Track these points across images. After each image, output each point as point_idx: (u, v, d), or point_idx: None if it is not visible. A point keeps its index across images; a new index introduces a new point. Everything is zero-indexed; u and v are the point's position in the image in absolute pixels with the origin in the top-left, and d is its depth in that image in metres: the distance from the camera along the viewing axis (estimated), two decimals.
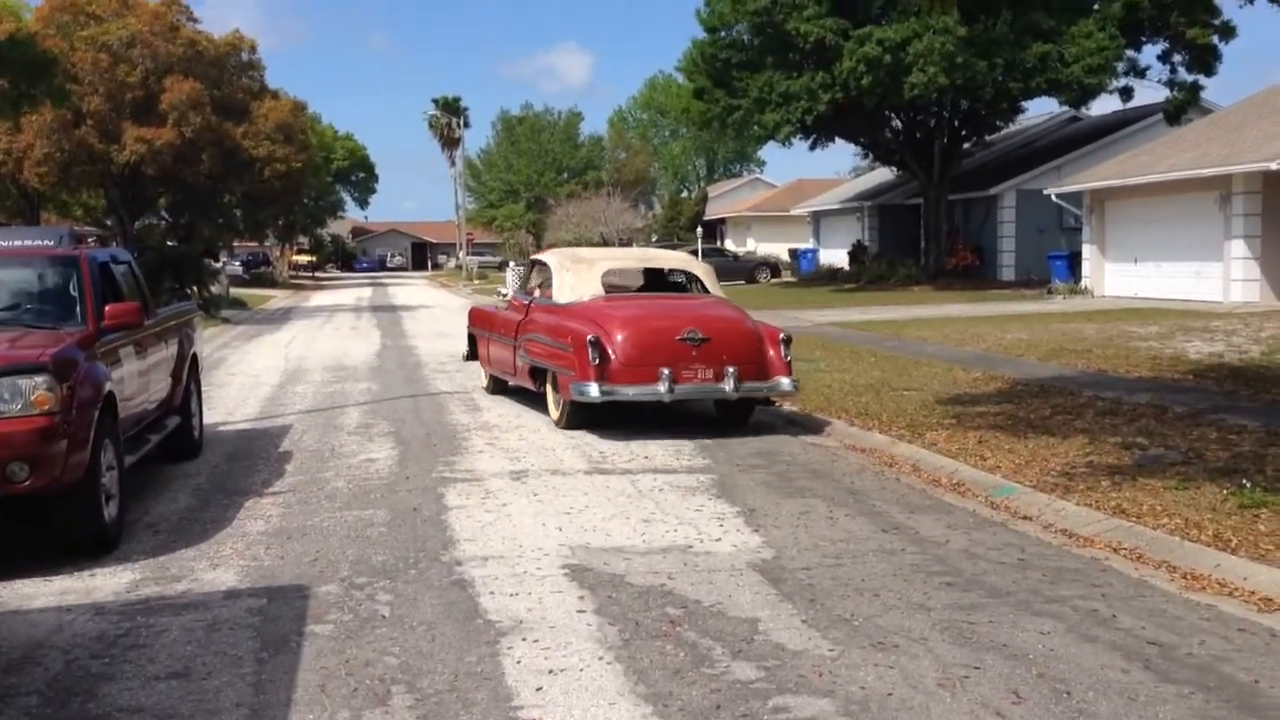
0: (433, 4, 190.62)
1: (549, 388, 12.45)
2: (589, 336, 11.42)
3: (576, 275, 12.99)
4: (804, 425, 11.82)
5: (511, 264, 48.91)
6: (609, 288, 13.10)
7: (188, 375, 10.71)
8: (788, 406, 12.67)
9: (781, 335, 12.03)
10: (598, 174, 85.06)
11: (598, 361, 11.35)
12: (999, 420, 11.11)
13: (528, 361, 12.88)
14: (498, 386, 14.78)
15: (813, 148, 39.36)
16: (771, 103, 33.15)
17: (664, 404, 11.57)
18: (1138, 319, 21.59)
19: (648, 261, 14.97)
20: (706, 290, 13.33)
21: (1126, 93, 33.88)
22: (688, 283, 13.73)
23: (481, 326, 15.22)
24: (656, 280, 14.11)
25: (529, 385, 13.05)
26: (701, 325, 11.66)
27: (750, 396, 11.80)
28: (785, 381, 11.75)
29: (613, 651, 5.36)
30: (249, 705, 4.84)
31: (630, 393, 11.40)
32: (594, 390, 11.30)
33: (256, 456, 10.75)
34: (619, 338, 11.51)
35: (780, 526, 7.68)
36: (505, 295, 16.88)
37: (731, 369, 11.34)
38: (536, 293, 13.71)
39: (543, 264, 14.16)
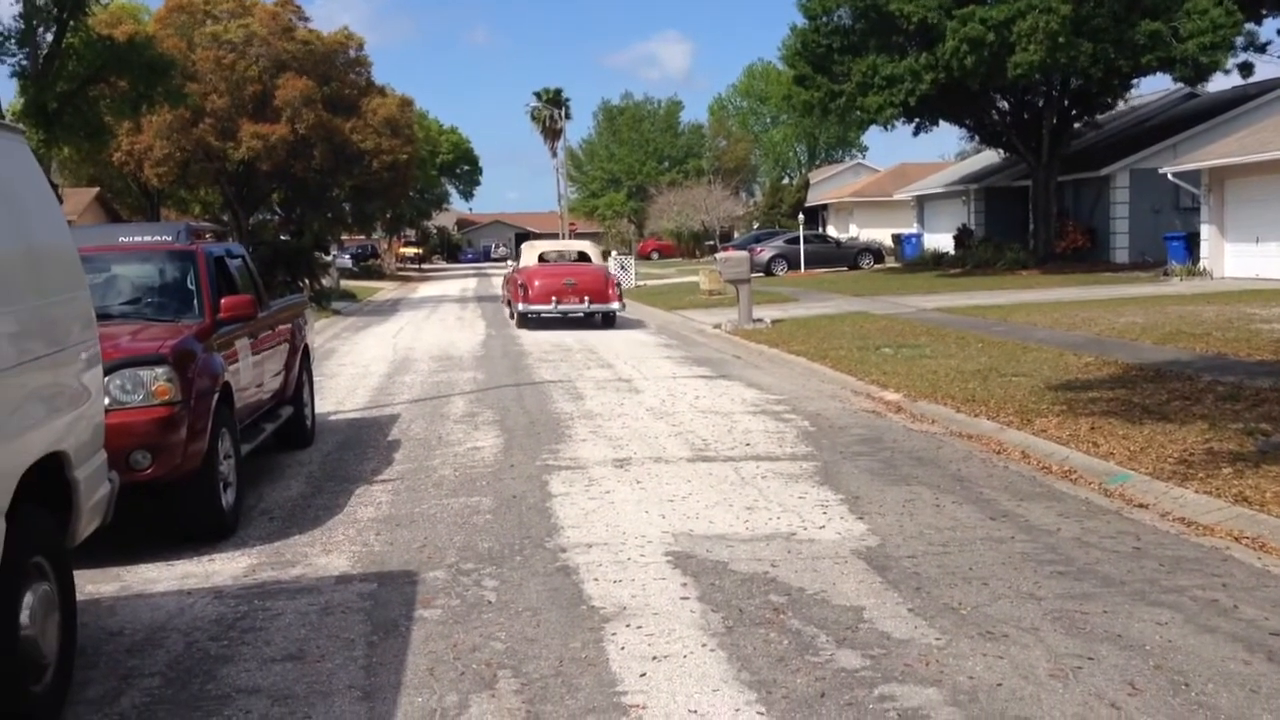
0: None
1: (512, 309, 25.78)
2: (520, 282, 24.78)
3: (526, 254, 26.73)
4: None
5: (614, 253, 49.05)
6: (544, 259, 26.23)
7: (300, 366, 10.97)
8: (890, 396, 12.55)
9: (616, 281, 25.20)
10: (698, 162, 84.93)
11: (523, 294, 24.21)
12: (1112, 406, 10.82)
13: (507, 296, 27.44)
14: (510, 313, 26.58)
15: (916, 132, 38.69)
16: (874, 86, 32.69)
17: (556, 316, 24.16)
18: (1259, 301, 20.82)
19: (569, 245, 29.20)
20: (590, 260, 26.37)
21: (1246, 68, 32.61)
22: (590, 256, 26.80)
23: (502, 283, 30.90)
24: (579, 255, 26.87)
25: (508, 309, 27.19)
26: (575, 276, 24.34)
27: (595, 310, 24.08)
28: (615, 304, 24.21)
29: (716, 638, 5.36)
30: (360, 687, 4.95)
31: (537, 309, 23.96)
32: (521, 307, 24.24)
33: (366, 445, 10.98)
34: (536, 283, 24.15)
35: (885, 514, 7.60)
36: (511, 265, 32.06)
37: (587, 297, 23.89)
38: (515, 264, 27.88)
39: (519, 250, 28.17)
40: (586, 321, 24.98)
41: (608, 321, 24.34)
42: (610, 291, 24.01)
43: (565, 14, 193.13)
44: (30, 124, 24.79)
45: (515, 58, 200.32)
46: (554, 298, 23.70)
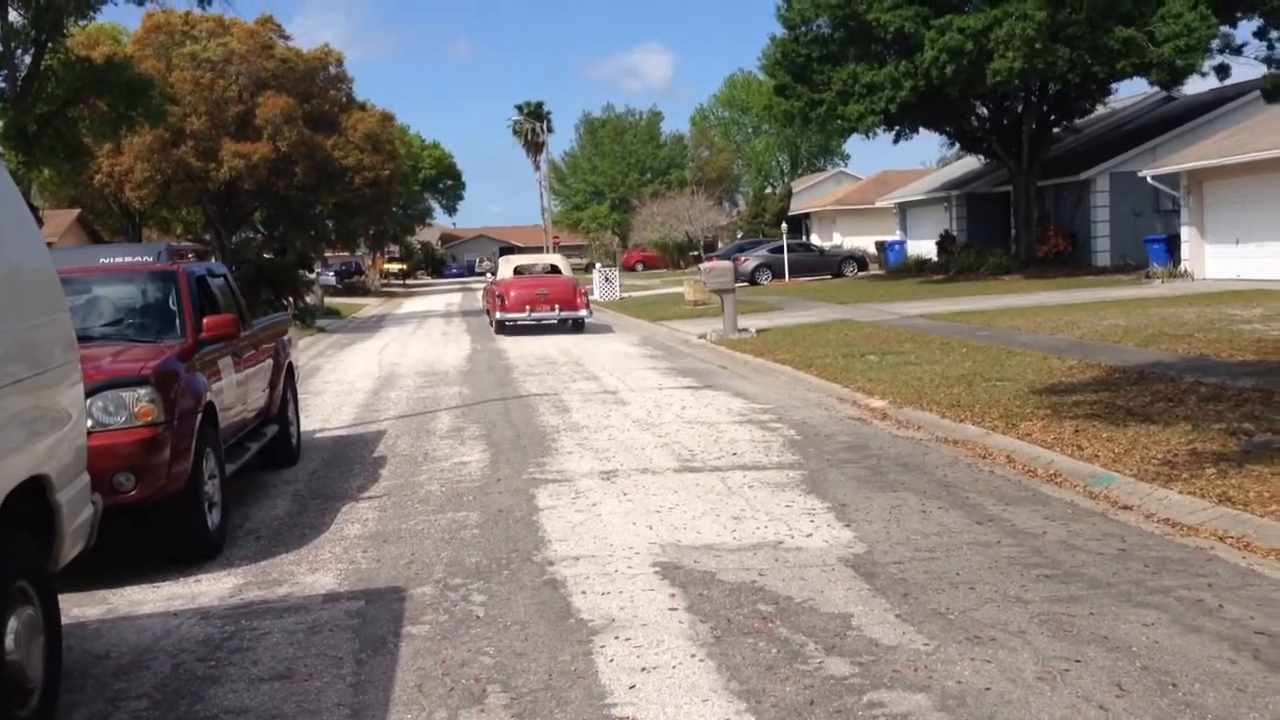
0: (515, 10, 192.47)
1: (491, 317, 28.20)
2: (497, 293, 27.26)
3: (504, 267, 29.45)
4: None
5: (598, 265, 49.16)
6: (519, 271, 28.70)
7: (284, 384, 10.95)
8: (876, 401, 12.59)
9: (584, 290, 27.77)
10: (681, 173, 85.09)
11: (500, 304, 26.66)
12: (1096, 409, 10.87)
13: (486, 306, 30.61)
14: (490, 321, 28.80)
15: (897, 140, 38.79)
16: (854, 95, 32.83)
17: (530, 323, 26.50)
18: (1240, 301, 20.95)
19: (542, 259, 31.40)
20: (561, 272, 28.70)
21: (1222, 70, 32.76)
22: (561, 269, 29.16)
23: (483, 295, 34.10)
24: (551, 268, 29.32)
25: (488, 318, 29.50)
26: (547, 287, 26.80)
27: (565, 317, 26.55)
28: (583, 311, 26.69)
29: (705, 649, 5.36)
30: (349, 705, 4.93)
31: (513, 317, 26.41)
32: (498, 315, 26.71)
33: (352, 462, 10.95)
34: (511, 294, 26.66)
35: (872, 521, 7.61)
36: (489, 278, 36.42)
37: (558, 305, 26.31)
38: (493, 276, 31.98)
39: (497, 264, 32.48)
40: (572, 334, 25.62)
41: (577, 326, 26.98)
42: (578, 300, 26.76)
43: (545, 27, 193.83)
44: (10, 146, 24.72)
45: (496, 72, 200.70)
46: (528, 306, 26.45)
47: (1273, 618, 5.39)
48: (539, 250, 57.18)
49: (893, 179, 60.80)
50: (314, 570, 7.13)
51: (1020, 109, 36.12)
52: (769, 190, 77.50)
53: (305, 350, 22.56)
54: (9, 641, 4.45)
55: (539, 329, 26.57)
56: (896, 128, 37.37)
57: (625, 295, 40.76)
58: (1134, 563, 6.39)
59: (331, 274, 66.69)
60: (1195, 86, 36.63)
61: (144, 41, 42.66)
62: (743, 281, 37.21)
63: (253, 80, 44.09)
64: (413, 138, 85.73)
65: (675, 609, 5.96)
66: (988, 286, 30.84)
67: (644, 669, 5.14)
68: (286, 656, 5.57)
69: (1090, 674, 4.83)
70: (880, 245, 50.31)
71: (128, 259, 9.45)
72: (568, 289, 26.97)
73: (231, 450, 8.87)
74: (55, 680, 4.91)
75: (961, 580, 6.20)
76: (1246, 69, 33.10)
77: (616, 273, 44.19)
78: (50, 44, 25.66)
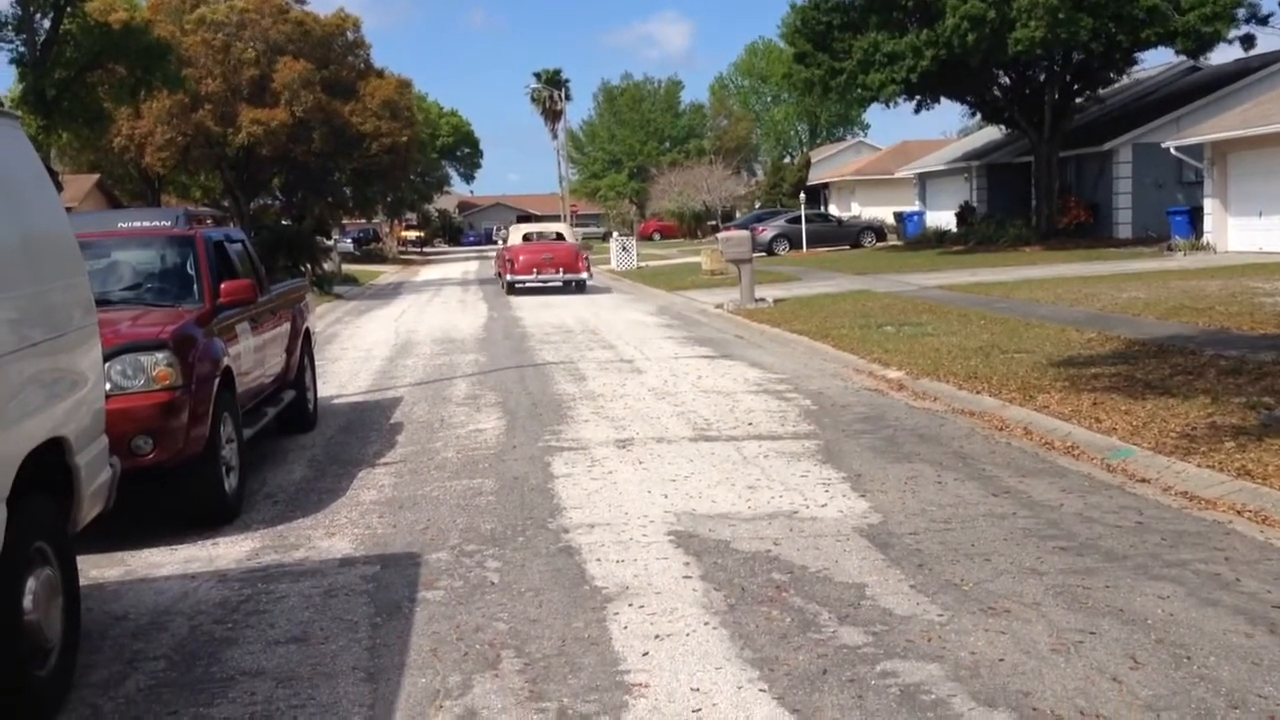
0: None
1: (502, 280, 31.34)
2: (507, 257, 30.80)
3: (513, 234, 33.07)
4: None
5: (615, 234, 49.13)
6: (527, 238, 31.87)
7: (301, 350, 10.97)
8: (892, 373, 12.55)
9: (585, 256, 30.54)
10: (699, 142, 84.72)
11: (510, 268, 30.02)
12: (1115, 381, 10.81)
13: (498, 269, 34.33)
14: (501, 284, 31.93)
15: (918, 110, 38.54)
16: (875, 64, 32.58)
17: (537, 284, 29.71)
18: (1263, 274, 20.77)
19: (549, 227, 34.38)
20: (565, 239, 31.90)
21: (1248, 40, 32.38)
22: (565, 236, 32.34)
23: (495, 260, 38.90)
24: (557, 235, 32.32)
25: (499, 281, 32.64)
26: (552, 252, 30.12)
27: (568, 279, 29.64)
28: (584, 274, 29.85)
29: (718, 617, 5.37)
30: (364, 669, 4.96)
31: (521, 279, 29.56)
32: (509, 277, 30.02)
33: (369, 428, 10.98)
34: (520, 258, 29.87)
35: (887, 491, 7.60)
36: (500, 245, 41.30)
37: (561, 268, 29.59)
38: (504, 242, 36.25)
39: (507, 231, 36.60)
40: (588, 304, 25.68)
41: (579, 287, 30.21)
42: (580, 264, 29.98)
43: None
44: (29, 111, 24.76)
45: (514, 38, 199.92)
46: (535, 269, 29.67)
47: None
48: (556, 219, 57.30)
49: (912, 149, 60.36)
50: (330, 535, 7.17)
51: (1043, 78, 35.77)
52: (787, 160, 76.99)
53: (322, 317, 22.62)
54: (28, 602, 4.49)
55: (554, 296, 26.95)
56: (917, 97, 37.07)
57: (642, 265, 40.69)
58: (1151, 536, 6.37)
59: (349, 241, 66.79)
60: (1220, 57, 36.29)
61: (159, 7, 42.59)
62: (760, 251, 37.11)
63: (269, 45, 44.02)
64: (430, 105, 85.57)
65: (689, 577, 5.97)
66: (1007, 258, 30.65)
67: (657, 636, 5.16)
68: (302, 620, 5.61)
69: (1105, 646, 4.82)
70: (899, 216, 50.04)
71: (146, 224, 9.46)
72: (570, 254, 30.13)
73: (249, 415, 8.90)
74: (74, 640, 4.95)
75: (977, 551, 6.19)
76: (1272, 39, 32.85)
77: (634, 242, 44.11)
78: (69, 9, 25.66)
